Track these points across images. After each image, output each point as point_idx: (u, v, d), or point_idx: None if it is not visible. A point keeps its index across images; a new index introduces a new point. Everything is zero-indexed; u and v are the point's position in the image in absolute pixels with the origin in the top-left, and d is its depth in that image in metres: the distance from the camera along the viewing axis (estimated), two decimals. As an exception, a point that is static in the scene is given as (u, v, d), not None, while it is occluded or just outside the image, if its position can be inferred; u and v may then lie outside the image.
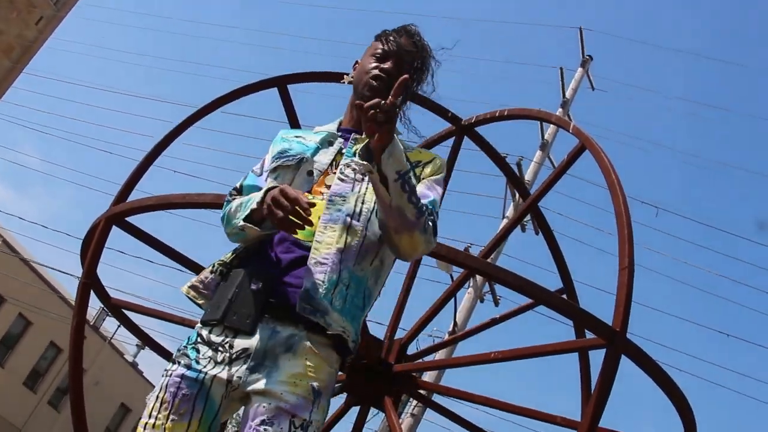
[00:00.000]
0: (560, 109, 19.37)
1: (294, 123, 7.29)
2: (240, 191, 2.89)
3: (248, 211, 2.65)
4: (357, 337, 2.65)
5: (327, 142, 2.88)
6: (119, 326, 37.18)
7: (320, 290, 2.52)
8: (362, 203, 2.68)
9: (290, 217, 2.43)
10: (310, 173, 2.78)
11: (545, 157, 18.62)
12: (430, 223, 2.63)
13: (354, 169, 2.75)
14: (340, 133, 2.92)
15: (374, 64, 2.86)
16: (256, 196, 2.66)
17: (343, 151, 2.85)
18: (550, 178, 6.88)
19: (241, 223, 2.67)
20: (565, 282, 7.95)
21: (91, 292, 6.54)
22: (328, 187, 2.75)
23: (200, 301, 2.70)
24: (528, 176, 16.71)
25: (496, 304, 16.66)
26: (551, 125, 18.33)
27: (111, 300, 7.19)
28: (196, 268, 7.03)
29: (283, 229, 2.49)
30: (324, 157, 2.83)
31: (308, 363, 2.49)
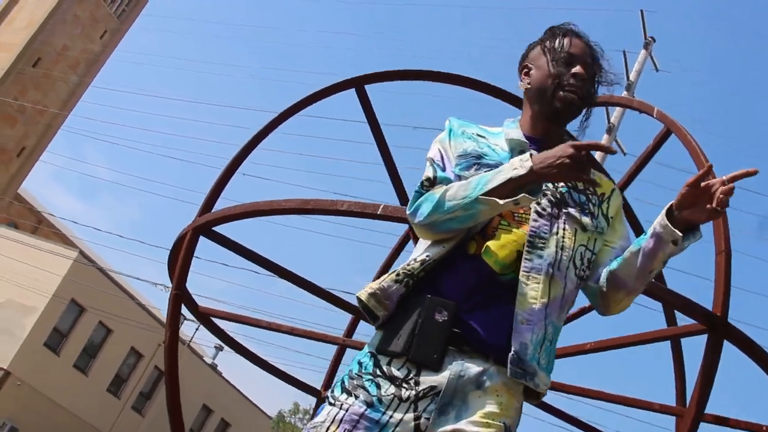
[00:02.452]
0: (625, 92, 19.16)
1: (374, 123, 7.29)
2: (433, 183, 2.53)
3: (497, 184, 2.32)
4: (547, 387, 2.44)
5: (519, 151, 2.54)
6: (197, 329, 37.77)
7: (528, 351, 2.32)
8: (562, 249, 2.43)
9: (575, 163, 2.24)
10: None
11: (612, 140, 18.43)
12: None
13: (550, 203, 2.48)
14: (529, 144, 2.60)
15: (561, 69, 2.58)
16: (506, 167, 2.35)
17: None
18: (636, 165, 6.77)
19: (482, 197, 2.32)
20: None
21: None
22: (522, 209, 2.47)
23: (380, 312, 2.43)
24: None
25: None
26: (617, 108, 18.13)
27: (199, 308, 7.26)
28: (284, 273, 7.09)
29: (569, 176, 2.27)
30: None
31: (500, 400, 2.31)
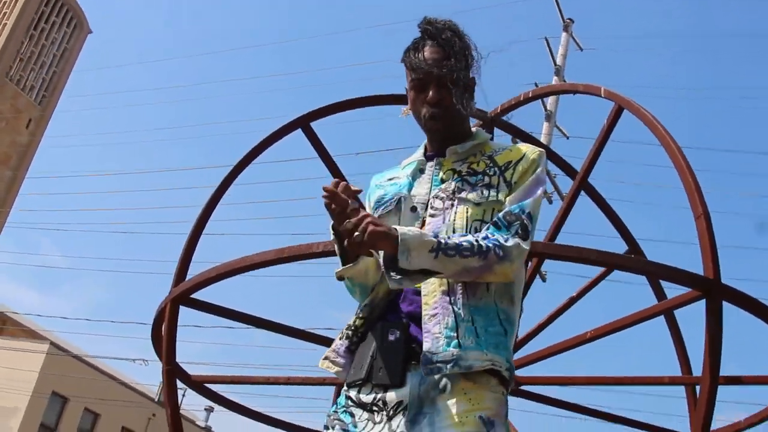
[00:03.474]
0: (555, 78, 19.25)
1: (326, 158, 7.22)
2: None
3: (339, 258, 2.59)
4: (510, 364, 2.46)
5: (418, 170, 2.72)
6: (184, 395, 37.31)
7: (441, 342, 2.36)
8: (453, 232, 2.50)
9: (348, 227, 2.32)
10: (413, 209, 2.63)
11: (553, 127, 18.53)
12: (506, 242, 2.43)
13: (443, 199, 2.59)
14: (429, 160, 2.75)
15: (419, 97, 2.70)
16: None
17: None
18: (595, 148, 6.76)
19: (338, 275, 2.59)
20: (629, 244, 7.86)
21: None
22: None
23: (335, 369, 2.56)
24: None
25: (544, 280, 16.70)
26: (550, 97, 18.28)
27: (192, 378, 7.13)
28: (266, 324, 6.99)
29: (354, 241, 2.33)
30: (421, 188, 2.67)
31: (469, 396, 2.34)
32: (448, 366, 2.32)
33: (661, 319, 7.41)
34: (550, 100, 18.29)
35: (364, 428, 2.41)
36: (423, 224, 2.58)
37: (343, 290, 2.73)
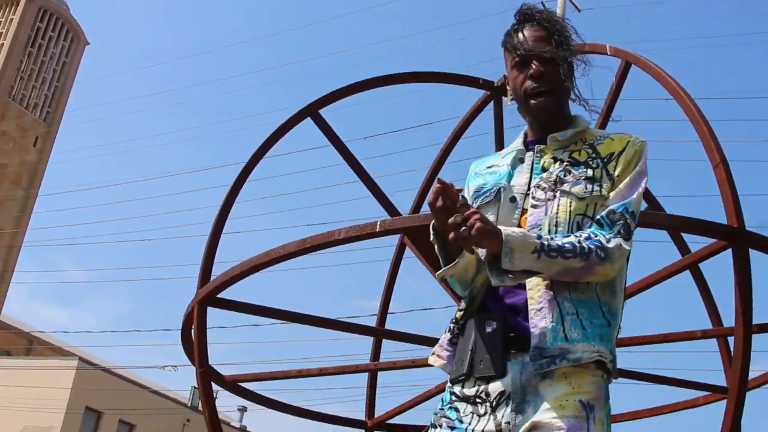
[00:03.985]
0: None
1: (338, 145, 7.21)
2: None
3: (441, 257, 2.55)
4: (613, 356, 2.47)
5: (518, 160, 2.68)
6: (216, 397, 37.42)
7: (548, 337, 2.36)
8: (556, 226, 2.48)
9: (457, 220, 2.29)
10: (513, 200, 2.59)
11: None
12: (608, 243, 2.41)
13: (545, 189, 2.54)
14: (529, 148, 2.70)
15: (520, 76, 2.65)
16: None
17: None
18: (605, 107, 6.74)
19: (440, 276, 2.57)
20: (648, 202, 7.83)
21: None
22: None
23: (441, 363, 2.58)
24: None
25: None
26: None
27: (225, 379, 7.14)
28: (294, 317, 6.98)
29: (462, 239, 2.31)
30: (521, 178, 2.63)
31: (569, 381, 2.34)
32: (557, 360, 2.33)
33: (685, 282, 7.38)
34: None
35: (470, 422, 2.41)
36: (523, 214, 2.56)
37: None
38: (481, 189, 2.69)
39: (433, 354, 2.62)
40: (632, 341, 6.89)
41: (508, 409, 2.35)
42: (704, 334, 6.79)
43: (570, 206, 2.48)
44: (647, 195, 7.82)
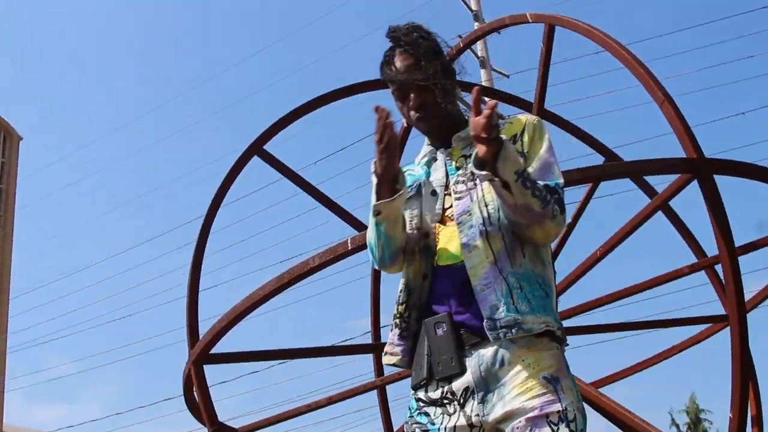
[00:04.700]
0: (475, 23, 19.20)
1: (291, 176, 7.18)
2: None
3: (373, 196, 2.66)
4: (560, 323, 2.59)
5: (432, 160, 2.84)
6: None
7: (500, 310, 2.48)
8: (486, 206, 2.61)
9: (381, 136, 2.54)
10: (434, 193, 2.74)
11: (491, 72, 18.54)
12: (557, 206, 2.54)
13: (464, 182, 2.68)
14: (436, 149, 2.88)
15: (404, 107, 2.82)
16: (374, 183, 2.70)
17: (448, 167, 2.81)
18: (540, 73, 6.76)
19: (373, 212, 2.67)
20: (606, 155, 7.88)
21: None
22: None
23: (396, 359, 2.69)
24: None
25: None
26: (478, 43, 18.30)
27: (238, 431, 7.08)
28: (292, 354, 6.93)
29: (386, 149, 2.55)
30: (437, 174, 2.79)
31: (528, 362, 2.46)
32: (513, 330, 2.45)
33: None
34: (479, 46, 18.31)
35: (441, 423, 2.51)
36: (446, 207, 2.71)
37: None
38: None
39: (385, 354, 2.72)
40: (625, 293, 6.90)
41: (475, 402, 2.46)
42: (692, 269, 6.81)
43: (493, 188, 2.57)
44: (602, 148, 7.88)
